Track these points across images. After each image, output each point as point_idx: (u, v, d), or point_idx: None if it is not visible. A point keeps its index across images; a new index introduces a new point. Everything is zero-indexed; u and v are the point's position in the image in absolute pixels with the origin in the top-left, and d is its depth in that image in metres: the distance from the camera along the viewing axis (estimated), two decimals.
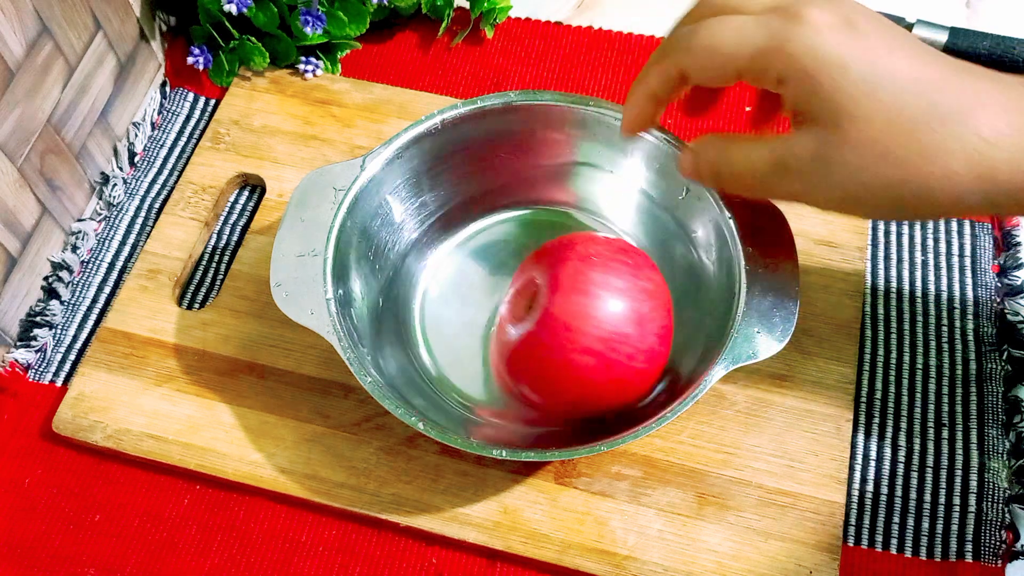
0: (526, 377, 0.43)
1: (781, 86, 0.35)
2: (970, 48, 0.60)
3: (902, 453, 0.48)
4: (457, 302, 0.51)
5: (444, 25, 0.62)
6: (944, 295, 0.52)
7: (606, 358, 0.40)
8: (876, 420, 0.48)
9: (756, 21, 0.36)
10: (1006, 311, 0.51)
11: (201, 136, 0.58)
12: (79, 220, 0.55)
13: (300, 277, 0.44)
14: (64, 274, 0.53)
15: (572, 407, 0.43)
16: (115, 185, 0.56)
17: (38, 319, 0.51)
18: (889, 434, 0.48)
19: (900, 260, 0.53)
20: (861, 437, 0.48)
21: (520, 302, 0.43)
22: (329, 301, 0.43)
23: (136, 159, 0.58)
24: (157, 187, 0.57)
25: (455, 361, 0.49)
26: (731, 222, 0.44)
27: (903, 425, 0.48)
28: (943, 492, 0.47)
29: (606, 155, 0.49)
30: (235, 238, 0.55)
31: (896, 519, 0.46)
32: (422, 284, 0.51)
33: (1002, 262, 0.53)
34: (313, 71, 0.59)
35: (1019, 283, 0.52)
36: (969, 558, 0.45)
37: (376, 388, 0.41)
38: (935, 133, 0.34)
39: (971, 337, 0.50)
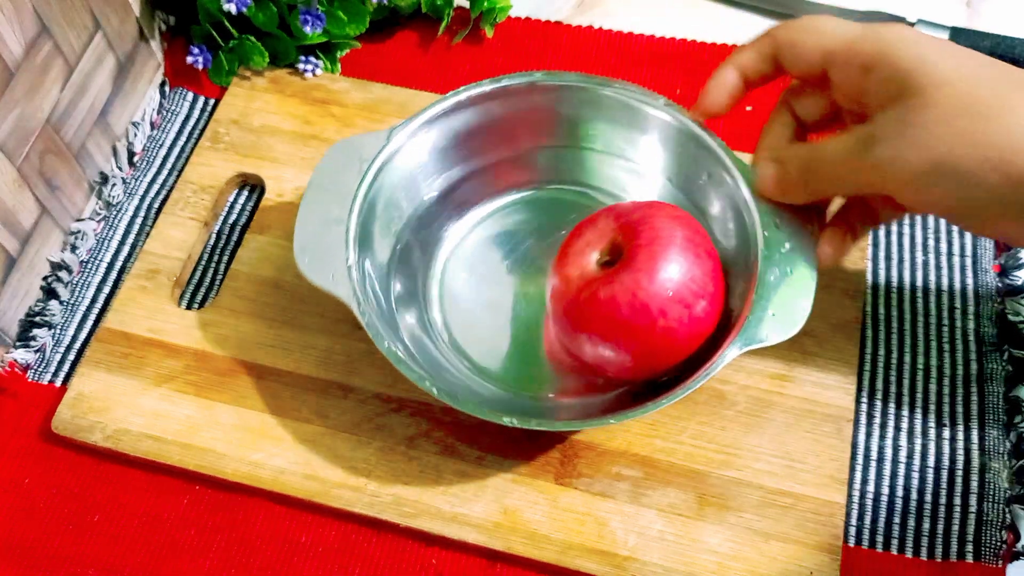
0: (605, 327, 0.42)
1: (867, 73, 0.38)
2: (970, 48, 0.60)
3: (903, 453, 0.47)
4: (475, 276, 0.51)
5: (444, 24, 0.62)
6: (945, 295, 0.52)
7: (693, 313, 0.41)
8: (877, 420, 0.48)
9: (850, 22, 0.39)
10: (1007, 311, 0.51)
11: (200, 136, 0.58)
12: (78, 220, 0.55)
13: (323, 244, 0.44)
14: (63, 274, 0.53)
15: (647, 359, 0.43)
16: (114, 185, 0.56)
17: (37, 319, 0.51)
18: (890, 434, 0.48)
19: (900, 260, 0.53)
20: (862, 437, 0.48)
21: (590, 254, 0.43)
22: (350, 268, 0.43)
23: (135, 159, 0.58)
24: (156, 187, 0.57)
25: (471, 333, 0.49)
26: (750, 205, 0.44)
27: (904, 425, 0.48)
28: (944, 492, 0.46)
29: (626, 136, 0.50)
30: (234, 238, 0.55)
31: (897, 519, 0.46)
32: (441, 257, 0.51)
33: (1003, 262, 0.53)
34: (313, 71, 0.59)
35: (1020, 283, 0.52)
36: (970, 558, 0.45)
37: (393, 355, 0.42)
38: (1015, 94, 0.35)
39: (972, 337, 0.50)
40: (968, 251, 0.53)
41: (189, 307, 0.52)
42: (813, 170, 0.41)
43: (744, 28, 0.63)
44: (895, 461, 0.47)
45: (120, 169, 0.57)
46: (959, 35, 0.60)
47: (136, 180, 0.57)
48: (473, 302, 0.50)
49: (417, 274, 0.50)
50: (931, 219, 0.54)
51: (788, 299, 0.42)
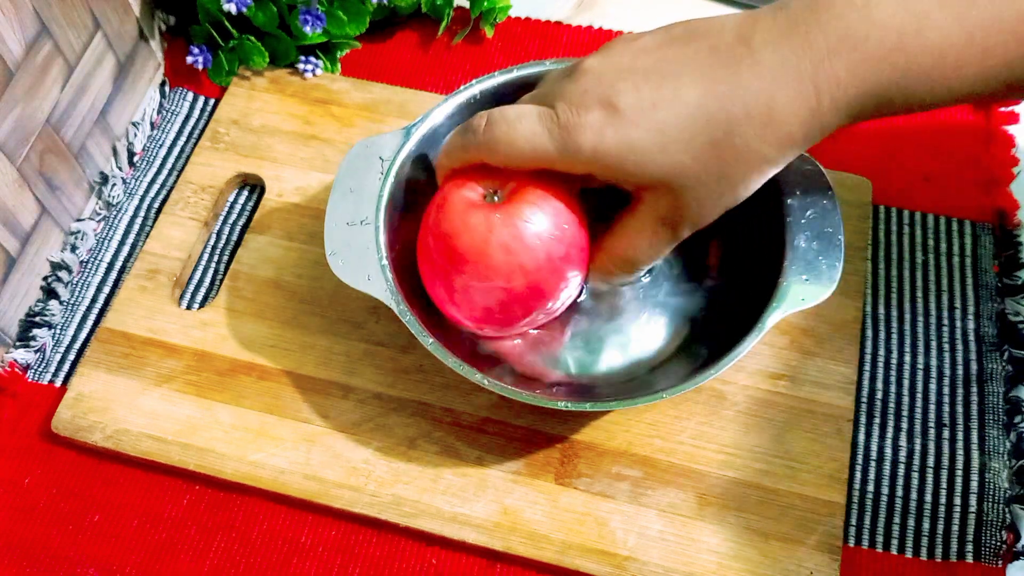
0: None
1: (595, 180, 0.40)
2: None
3: (903, 453, 0.47)
4: None
5: (444, 24, 0.61)
6: (944, 295, 0.52)
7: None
8: (877, 420, 0.48)
9: (539, 123, 0.39)
10: (1007, 311, 0.51)
11: (200, 136, 0.58)
12: (78, 220, 0.55)
13: (353, 245, 0.44)
14: (63, 274, 0.53)
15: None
16: (114, 185, 0.56)
17: (37, 319, 0.51)
18: (890, 434, 0.48)
19: (900, 260, 0.53)
20: (862, 437, 0.48)
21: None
22: (385, 267, 0.44)
23: (135, 159, 0.58)
24: (156, 187, 0.57)
25: None
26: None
27: (904, 425, 0.48)
28: (944, 492, 0.46)
29: None
30: (234, 238, 0.55)
31: (897, 519, 0.46)
32: None
33: (1003, 262, 0.53)
34: (313, 71, 0.59)
35: (1020, 283, 0.52)
36: (970, 558, 0.45)
37: (437, 348, 0.42)
38: (738, 140, 0.38)
39: (972, 337, 0.50)
40: (968, 251, 0.53)
41: (189, 307, 0.52)
42: (634, 263, 0.43)
43: None
44: (895, 461, 0.47)
45: (120, 169, 0.57)
46: None
47: (136, 180, 0.57)
48: None
49: None
50: (931, 219, 0.54)
51: (819, 263, 0.43)
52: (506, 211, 0.41)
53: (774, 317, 0.42)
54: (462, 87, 0.48)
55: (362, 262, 0.44)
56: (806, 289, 0.43)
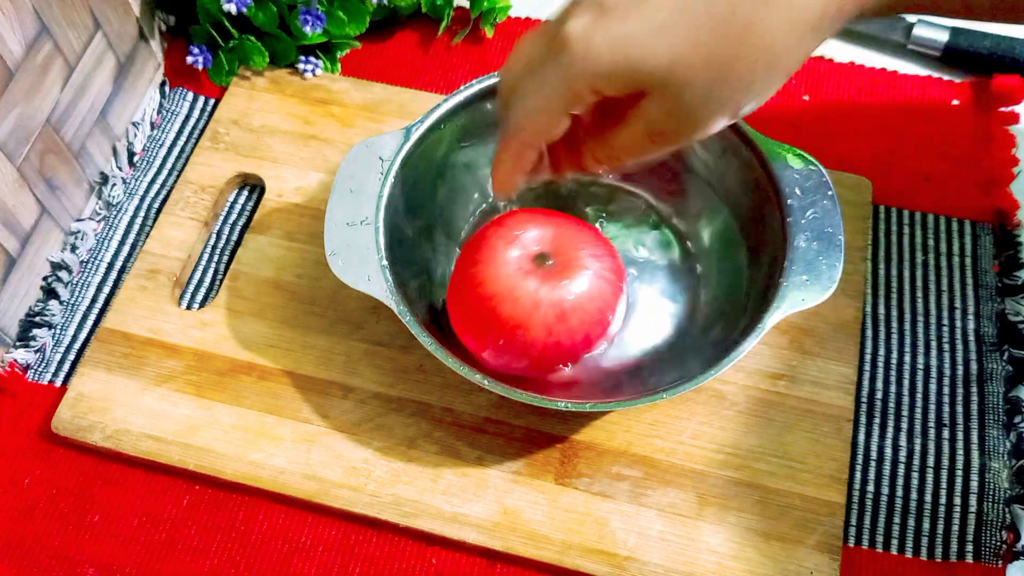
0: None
1: (605, 95, 0.36)
2: (970, 48, 0.60)
3: (903, 453, 0.47)
4: None
5: (444, 24, 0.61)
6: (944, 295, 0.52)
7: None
8: (877, 420, 0.48)
9: (544, 68, 0.36)
10: (1007, 311, 0.51)
11: (200, 136, 0.58)
12: (78, 220, 0.55)
13: (353, 245, 0.45)
14: (63, 274, 0.53)
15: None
16: (114, 185, 0.56)
17: (37, 319, 0.51)
18: (890, 434, 0.48)
19: (900, 260, 0.53)
20: (862, 437, 0.48)
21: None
22: (384, 268, 0.44)
23: (135, 159, 0.58)
24: (156, 187, 0.57)
25: None
26: (773, 174, 0.45)
27: (904, 425, 0.48)
28: (944, 492, 0.46)
29: None
30: (234, 238, 0.55)
31: (897, 519, 0.46)
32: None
33: (1003, 262, 0.53)
34: (313, 71, 0.59)
35: (1020, 283, 0.52)
36: (970, 559, 0.45)
37: (437, 349, 0.42)
38: (744, 18, 0.34)
39: (972, 337, 0.50)
40: (968, 251, 0.53)
41: (189, 307, 0.52)
42: (619, 159, 0.40)
43: None
44: (895, 461, 0.47)
45: (120, 169, 0.57)
46: (959, 35, 0.60)
47: (136, 180, 0.57)
48: None
49: (439, 268, 0.51)
50: (931, 219, 0.54)
51: (819, 264, 0.43)
52: (551, 285, 0.42)
53: (774, 317, 0.42)
54: (462, 87, 0.48)
55: (362, 262, 0.44)
56: (806, 289, 0.43)
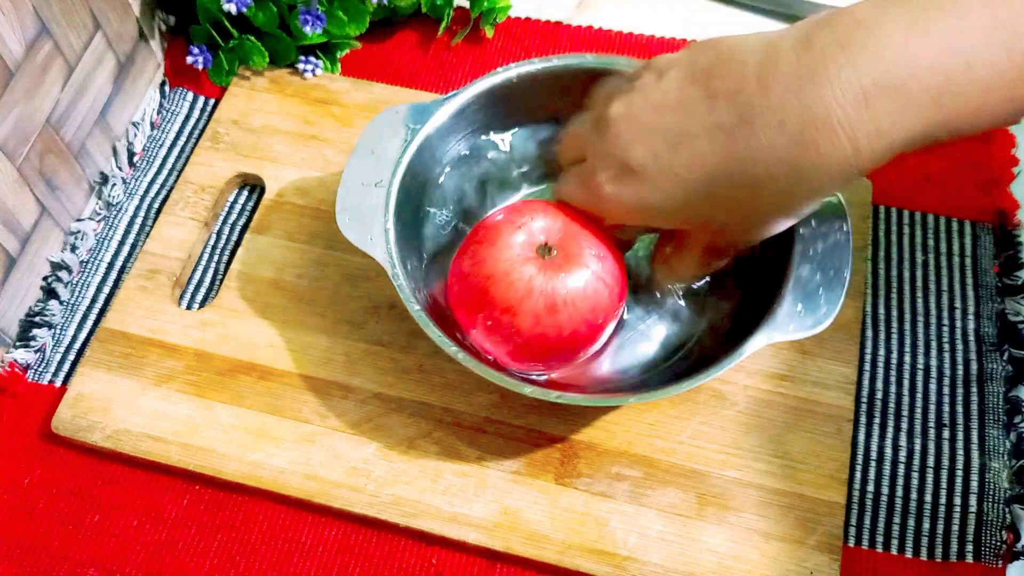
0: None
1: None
2: None
3: (903, 453, 0.47)
4: None
5: (444, 24, 0.61)
6: (944, 295, 0.52)
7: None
8: (877, 420, 0.48)
9: (574, 180, 0.43)
10: (1007, 311, 0.51)
11: (200, 136, 0.58)
12: (78, 220, 0.55)
13: (364, 205, 0.45)
14: (63, 274, 0.53)
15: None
16: (114, 185, 0.56)
17: (37, 319, 0.51)
18: (890, 434, 0.48)
19: (900, 260, 0.53)
20: (862, 437, 0.48)
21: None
22: (388, 231, 0.44)
23: (135, 159, 0.58)
24: (156, 187, 0.57)
25: None
26: None
27: (904, 425, 0.48)
28: (944, 492, 0.46)
29: None
30: (234, 238, 0.55)
31: (897, 519, 0.46)
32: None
33: (1003, 262, 0.53)
34: (313, 70, 0.59)
35: (1020, 283, 0.52)
36: (970, 559, 0.45)
37: (421, 316, 0.42)
38: (763, 200, 0.37)
39: (972, 337, 0.50)
40: (968, 251, 0.53)
41: (189, 307, 0.52)
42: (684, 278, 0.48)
43: (744, 28, 0.63)
44: (895, 461, 0.47)
45: (120, 169, 0.57)
46: None
47: (136, 180, 0.57)
48: None
49: (449, 247, 0.50)
50: (931, 219, 0.54)
51: (817, 296, 0.43)
52: (547, 275, 0.42)
53: (758, 341, 0.41)
54: (498, 69, 0.49)
55: (369, 222, 0.44)
56: (799, 320, 0.42)
